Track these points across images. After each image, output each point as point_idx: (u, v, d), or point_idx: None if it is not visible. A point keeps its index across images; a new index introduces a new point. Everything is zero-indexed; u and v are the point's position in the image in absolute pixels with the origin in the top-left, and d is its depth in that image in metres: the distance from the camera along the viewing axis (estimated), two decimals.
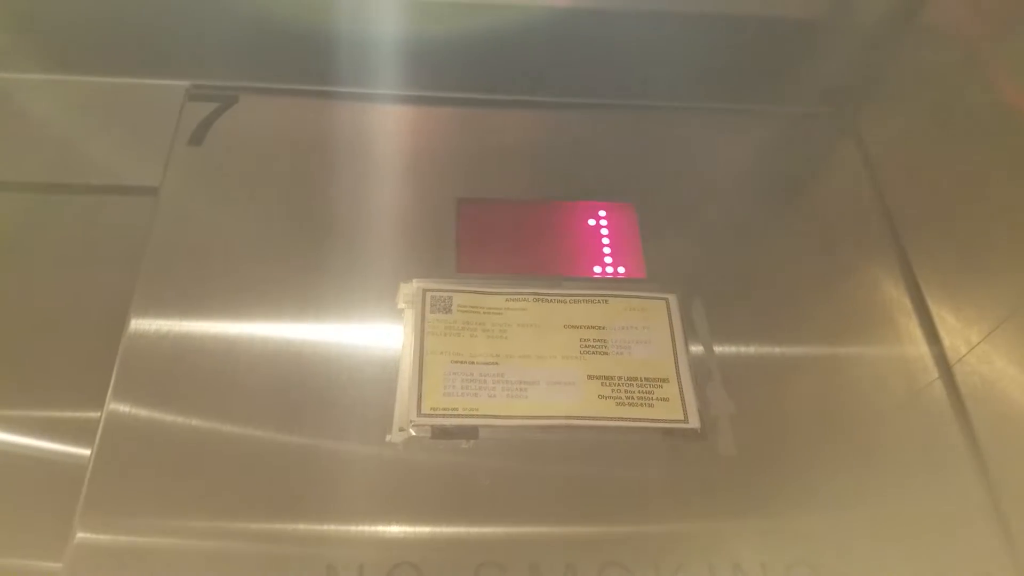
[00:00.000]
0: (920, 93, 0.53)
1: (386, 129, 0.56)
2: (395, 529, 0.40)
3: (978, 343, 0.45)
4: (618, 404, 0.45)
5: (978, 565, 0.41)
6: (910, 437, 0.45)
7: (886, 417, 0.46)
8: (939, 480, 0.44)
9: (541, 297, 0.48)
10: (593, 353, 0.47)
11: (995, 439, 0.44)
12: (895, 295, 0.50)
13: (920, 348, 0.48)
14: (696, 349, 0.47)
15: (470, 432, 0.43)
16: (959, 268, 0.48)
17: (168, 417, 0.42)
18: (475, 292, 0.48)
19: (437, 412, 0.44)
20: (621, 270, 0.51)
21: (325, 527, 0.40)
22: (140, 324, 0.45)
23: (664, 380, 0.46)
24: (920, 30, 0.52)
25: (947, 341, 0.48)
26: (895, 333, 0.49)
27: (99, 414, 0.42)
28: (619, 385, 0.45)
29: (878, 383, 0.47)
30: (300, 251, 0.49)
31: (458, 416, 0.44)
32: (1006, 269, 0.44)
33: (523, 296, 0.48)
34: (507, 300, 0.48)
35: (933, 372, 0.47)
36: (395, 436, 0.43)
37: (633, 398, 0.45)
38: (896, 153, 0.55)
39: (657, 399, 0.45)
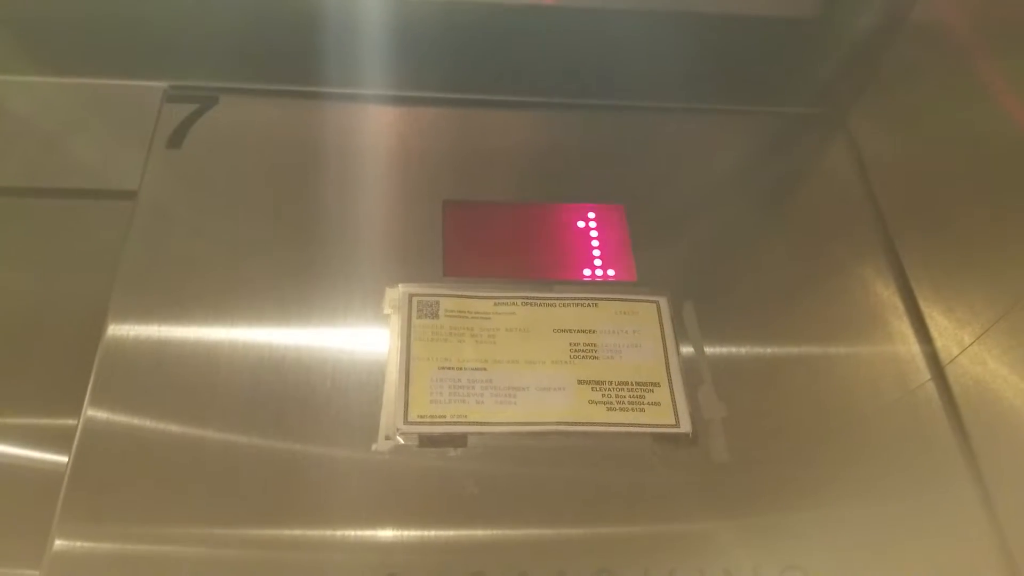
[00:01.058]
0: (911, 93, 0.52)
1: (371, 130, 0.55)
2: (383, 536, 0.40)
3: (970, 344, 0.45)
4: (609, 409, 0.44)
5: (971, 566, 0.41)
6: (903, 439, 0.45)
7: (879, 419, 0.45)
8: (932, 481, 0.44)
9: (530, 301, 0.48)
10: (583, 357, 0.46)
11: (988, 440, 0.44)
12: (887, 296, 0.50)
13: (912, 349, 0.48)
14: (687, 352, 0.47)
15: (458, 440, 0.43)
16: (951, 269, 0.48)
17: (147, 424, 0.42)
18: (462, 296, 0.47)
19: (424, 420, 0.43)
20: (611, 273, 0.50)
21: (311, 535, 0.39)
22: (118, 330, 0.44)
23: (655, 384, 0.45)
24: (911, 30, 0.51)
25: (939, 342, 0.48)
26: (887, 334, 0.49)
27: (76, 421, 0.41)
28: (610, 390, 0.45)
29: (870, 385, 0.47)
30: (282, 255, 0.48)
31: (445, 424, 0.43)
32: (998, 270, 0.44)
33: (512, 300, 0.48)
34: (495, 304, 0.47)
35: (925, 373, 0.47)
36: (381, 445, 0.42)
37: (624, 403, 0.44)
38: (888, 153, 0.55)
39: (648, 403, 0.45)
